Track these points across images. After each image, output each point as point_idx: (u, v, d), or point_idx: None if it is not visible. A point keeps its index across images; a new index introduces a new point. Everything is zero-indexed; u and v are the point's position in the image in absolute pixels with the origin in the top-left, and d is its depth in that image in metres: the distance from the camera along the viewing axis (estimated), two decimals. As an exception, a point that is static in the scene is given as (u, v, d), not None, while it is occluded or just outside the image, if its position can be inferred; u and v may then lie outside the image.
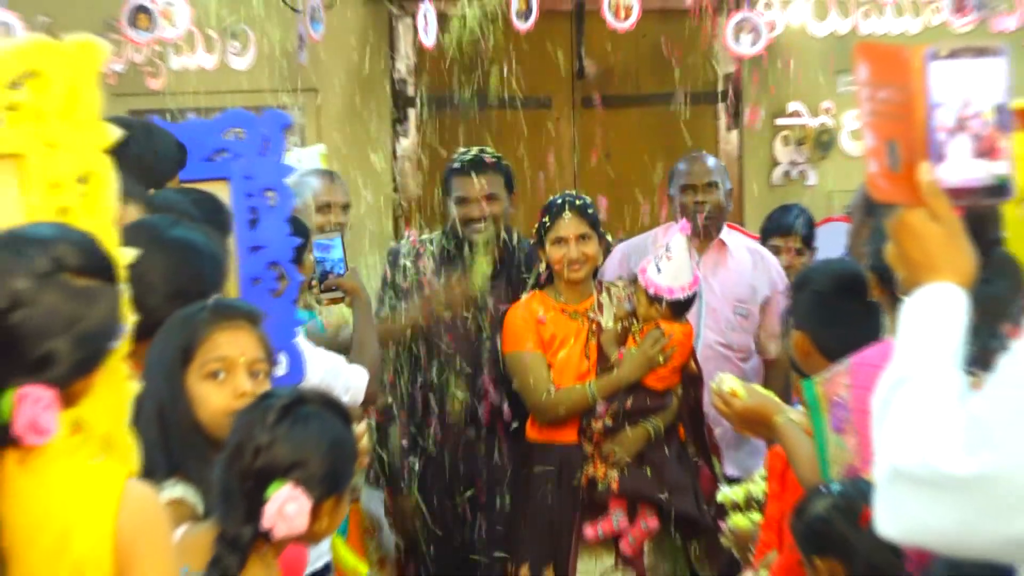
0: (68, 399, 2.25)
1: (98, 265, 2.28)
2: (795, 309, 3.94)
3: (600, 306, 5.13)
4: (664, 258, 4.97)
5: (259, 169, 3.84)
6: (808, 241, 6.11)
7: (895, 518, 1.91)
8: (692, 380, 5.05)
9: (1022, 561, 1.89)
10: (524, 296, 5.18)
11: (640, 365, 4.97)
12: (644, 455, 4.99)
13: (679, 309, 5.03)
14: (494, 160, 5.30)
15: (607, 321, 5.10)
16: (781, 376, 5.58)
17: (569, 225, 5.06)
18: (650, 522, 4.96)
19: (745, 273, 5.70)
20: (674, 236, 5.00)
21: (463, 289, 5.12)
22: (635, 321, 5.05)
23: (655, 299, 4.98)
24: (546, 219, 5.10)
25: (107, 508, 2.14)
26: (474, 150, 5.36)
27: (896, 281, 3.31)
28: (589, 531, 4.98)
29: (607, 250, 5.45)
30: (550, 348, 5.08)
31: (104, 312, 2.25)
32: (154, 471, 2.70)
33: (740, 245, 5.82)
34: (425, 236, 5.49)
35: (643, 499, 4.96)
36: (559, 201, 5.14)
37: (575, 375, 5.04)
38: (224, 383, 2.90)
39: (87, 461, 2.30)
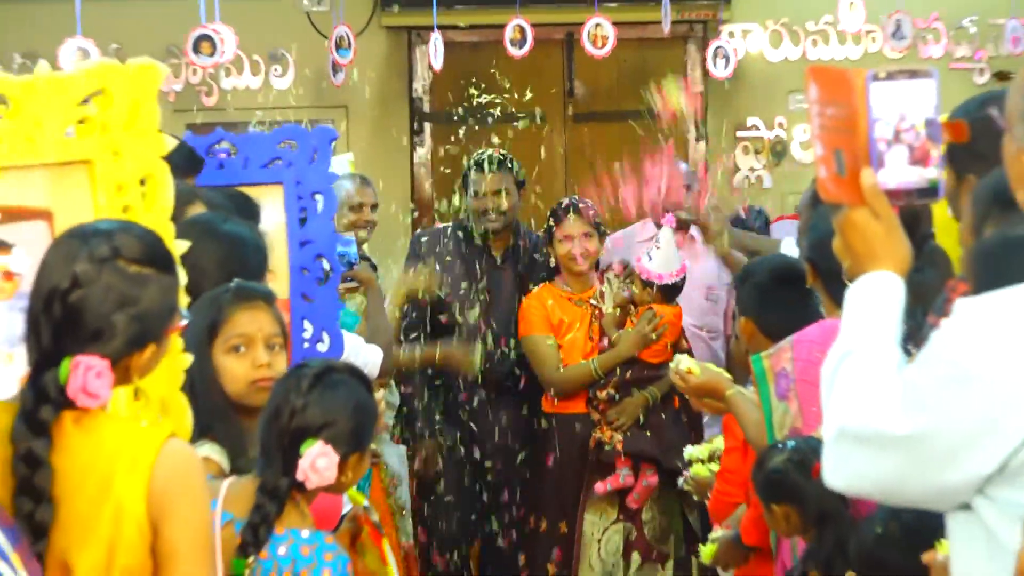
0: (126, 371, 2.24)
1: (153, 255, 2.26)
2: (739, 299, 3.96)
3: (602, 294, 5.13)
4: (655, 248, 4.98)
5: (308, 176, 3.82)
6: None
7: (841, 471, 1.90)
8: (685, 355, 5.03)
9: (950, 507, 1.87)
10: (535, 288, 5.18)
11: (636, 342, 4.97)
12: (644, 419, 4.98)
13: (669, 293, 5.03)
14: (506, 160, 5.29)
15: (607, 307, 5.10)
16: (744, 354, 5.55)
17: (573, 225, 5.09)
18: (651, 479, 4.95)
19: (713, 263, 5.67)
20: (663, 229, 5.01)
21: (463, 357, 5.10)
22: (632, 306, 5.04)
23: (648, 284, 4.99)
24: (553, 220, 5.11)
25: (144, 461, 2.13)
26: (489, 151, 5.35)
27: (828, 269, 3.34)
28: (599, 487, 4.98)
29: None
30: (559, 332, 5.10)
31: (156, 296, 2.23)
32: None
33: None
34: (444, 225, 5.48)
35: (644, 458, 4.95)
36: (564, 204, 5.17)
37: (581, 354, 5.06)
38: (245, 356, 2.87)
39: (133, 422, 2.30)
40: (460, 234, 5.31)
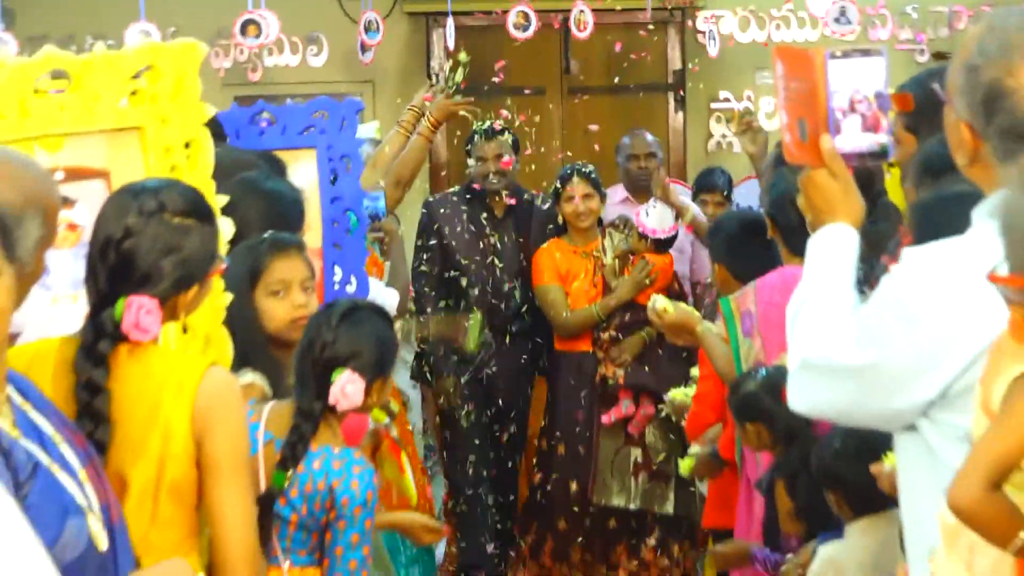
0: (173, 309, 2.21)
1: (195, 208, 2.23)
2: (712, 248, 3.95)
3: (603, 247, 5.08)
4: (652, 207, 4.96)
5: (338, 141, 3.78)
6: (728, 195, 5.95)
7: (803, 397, 1.89)
8: (679, 298, 4.96)
9: (897, 428, 1.85)
10: (546, 243, 5.10)
11: (632, 287, 4.92)
12: (643, 356, 4.94)
13: (662, 245, 4.99)
14: (504, 129, 5.23)
15: (608, 257, 5.05)
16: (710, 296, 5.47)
17: (577, 187, 5.02)
18: (648, 409, 4.91)
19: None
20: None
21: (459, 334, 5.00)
22: (630, 256, 5.00)
23: (643, 237, 4.95)
24: (560, 183, 5.06)
25: (189, 385, 2.11)
26: (489, 121, 5.27)
27: (786, 223, 3.33)
28: (604, 417, 4.94)
29: None
30: (566, 281, 5.04)
31: (197, 244, 2.20)
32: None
33: None
34: (452, 190, 5.42)
35: (644, 389, 4.91)
36: (569, 169, 5.11)
37: (586, 300, 5.01)
38: (284, 299, 2.85)
39: (180, 353, 2.30)
40: (467, 195, 5.24)
